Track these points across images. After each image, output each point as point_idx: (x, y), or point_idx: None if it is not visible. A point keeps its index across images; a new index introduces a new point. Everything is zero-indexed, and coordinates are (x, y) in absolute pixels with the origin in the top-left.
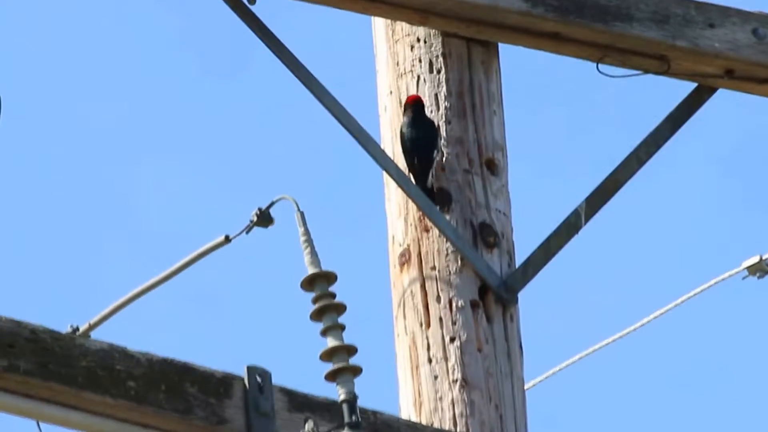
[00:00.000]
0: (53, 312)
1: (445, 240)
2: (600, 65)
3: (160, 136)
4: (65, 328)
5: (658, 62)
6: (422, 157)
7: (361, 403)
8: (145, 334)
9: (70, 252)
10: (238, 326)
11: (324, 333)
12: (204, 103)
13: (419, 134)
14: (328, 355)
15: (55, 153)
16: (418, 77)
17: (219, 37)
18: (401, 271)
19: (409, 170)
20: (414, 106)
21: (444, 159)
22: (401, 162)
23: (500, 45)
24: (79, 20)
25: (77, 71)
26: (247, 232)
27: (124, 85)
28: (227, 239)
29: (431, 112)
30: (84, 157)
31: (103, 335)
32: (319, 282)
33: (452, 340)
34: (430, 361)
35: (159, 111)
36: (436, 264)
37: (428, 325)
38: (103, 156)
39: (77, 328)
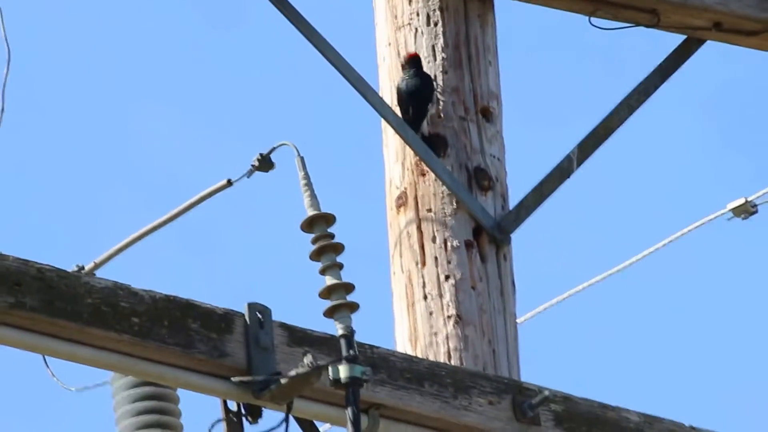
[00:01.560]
0: (59, 252)
1: (440, 183)
2: (592, 18)
3: (161, 83)
4: (71, 267)
5: (649, 15)
6: (417, 108)
7: (358, 338)
8: (149, 274)
9: (75, 194)
10: (240, 266)
11: (323, 272)
12: (205, 53)
13: (416, 87)
14: (327, 293)
15: (59, 99)
16: (416, 30)
17: None
18: (398, 213)
19: (403, 119)
20: (412, 61)
21: (439, 109)
22: (399, 110)
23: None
24: None
25: (79, 18)
26: (248, 176)
27: (126, 32)
28: (229, 183)
29: (428, 63)
30: (88, 103)
31: (107, 274)
32: (318, 223)
33: (447, 278)
34: (425, 298)
35: (161, 59)
36: (432, 206)
37: (423, 264)
38: (106, 102)
39: (83, 267)
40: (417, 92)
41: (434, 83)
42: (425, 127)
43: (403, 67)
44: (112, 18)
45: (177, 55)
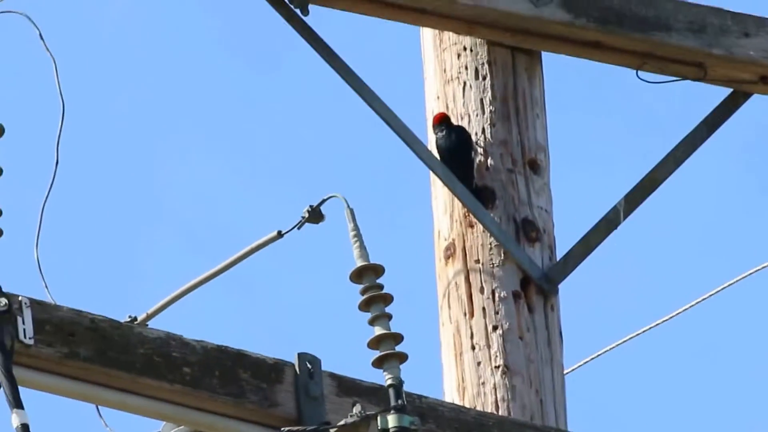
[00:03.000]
0: (111, 302)
1: (488, 235)
2: (639, 72)
3: (210, 132)
4: (123, 318)
5: (696, 69)
6: (462, 162)
7: (407, 388)
8: (201, 324)
9: (127, 244)
10: (290, 316)
11: (372, 322)
12: (253, 102)
13: (453, 143)
14: (376, 343)
15: (110, 150)
16: (465, 83)
17: (264, 36)
18: (446, 264)
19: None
20: (441, 122)
21: (487, 160)
22: None
23: (543, 53)
24: (125, 19)
25: (124, 68)
26: (298, 228)
27: (171, 81)
28: (280, 234)
29: (476, 116)
30: (137, 152)
31: (160, 325)
32: (368, 274)
33: (495, 328)
34: (473, 348)
35: (211, 107)
36: (480, 257)
37: (472, 314)
38: (155, 151)
39: (135, 318)
40: (454, 148)
41: (470, 134)
42: (473, 181)
43: (433, 128)
44: (158, 66)
45: (226, 103)
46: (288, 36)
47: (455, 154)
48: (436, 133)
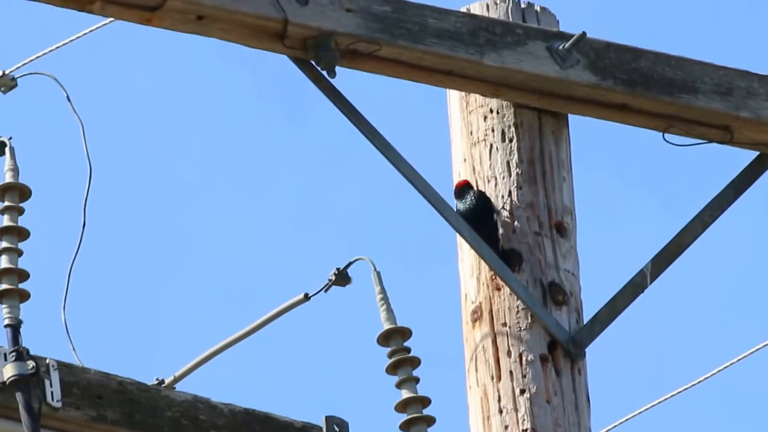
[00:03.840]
0: (138, 364)
1: (515, 298)
2: (666, 135)
3: (236, 189)
4: (151, 381)
5: (722, 132)
6: (486, 226)
7: None
8: (228, 387)
9: (152, 305)
10: (317, 379)
11: (399, 385)
12: (280, 160)
13: (474, 207)
14: (403, 406)
15: (135, 207)
16: (491, 146)
17: (292, 93)
18: (473, 327)
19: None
20: (461, 189)
21: (514, 222)
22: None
23: (570, 115)
24: (152, 78)
25: (151, 126)
26: (325, 291)
27: (196, 138)
28: (306, 297)
29: (503, 178)
30: (162, 209)
31: (187, 388)
32: (395, 337)
33: (522, 392)
34: (500, 411)
35: (236, 165)
36: (507, 320)
37: (499, 378)
38: (180, 209)
39: (162, 381)
40: (477, 212)
41: (488, 196)
42: (500, 239)
43: (456, 197)
44: (184, 123)
45: (251, 162)
46: (315, 94)
47: (478, 218)
48: (456, 204)
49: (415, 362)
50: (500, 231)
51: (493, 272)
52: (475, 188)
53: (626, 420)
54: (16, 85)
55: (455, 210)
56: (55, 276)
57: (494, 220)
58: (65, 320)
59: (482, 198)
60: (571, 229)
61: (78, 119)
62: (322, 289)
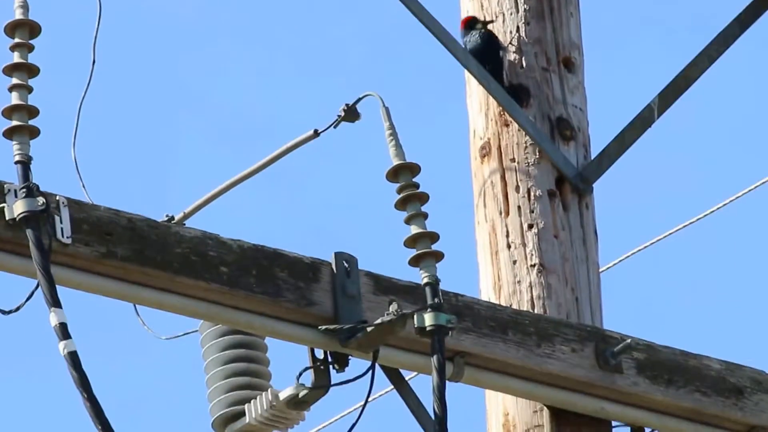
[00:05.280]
0: (148, 201)
1: (523, 133)
2: None
3: (246, 26)
4: (161, 217)
5: None
6: (491, 61)
7: (443, 286)
8: (237, 223)
9: (162, 142)
10: (326, 216)
11: (408, 221)
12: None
13: (480, 44)
14: (412, 242)
15: (144, 45)
16: None
17: None
18: (482, 162)
19: None
20: (467, 25)
21: (521, 58)
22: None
23: None
24: None
25: None
26: (335, 127)
27: None
28: (316, 133)
29: (510, 14)
30: (172, 46)
31: (197, 224)
32: (404, 173)
33: (530, 227)
34: (509, 246)
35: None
36: (515, 156)
37: (507, 213)
38: (190, 46)
39: (172, 217)
40: (482, 50)
41: (495, 34)
42: (505, 77)
43: (461, 32)
44: None
45: (253, 7)
46: None
47: (483, 55)
48: (463, 38)
49: (424, 198)
50: (506, 67)
51: (501, 108)
52: (481, 24)
53: (633, 254)
54: None
55: (464, 45)
56: (65, 113)
57: (500, 56)
58: (75, 157)
59: (488, 34)
60: (578, 64)
61: None
62: (331, 125)
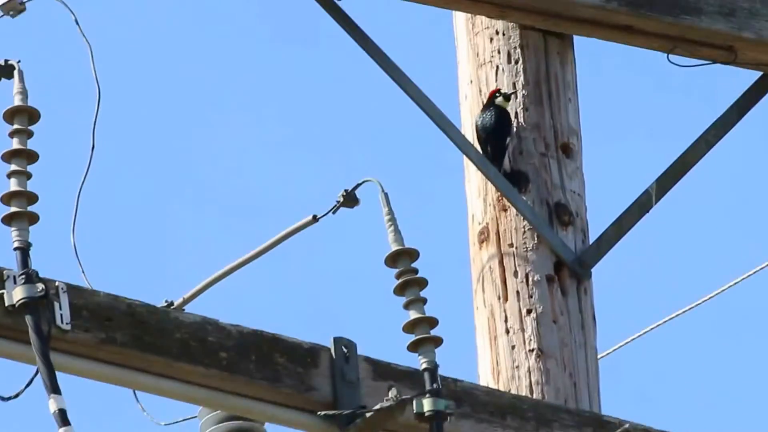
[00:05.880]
0: (147, 286)
1: (522, 219)
2: (670, 56)
3: (244, 110)
4: (160, 303)
5: (726, 53)
6: (495, 144)
7: (442, 371)
8: (236, 308)
9: (162, 227)
10: (325, 301)
11: (407, 306)
12: (288, 82)
13: (491, 123)
14: (411, 327)
15: (144, 130)
16: (497, 67)
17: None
18: (480, 248)
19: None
20: (489, 100)
21: (520, 144)
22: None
23: (575, 37)
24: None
25: (160, 48)
26: (333, 212)
27: (206, 58)
28: (315, 218)
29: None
30: (170, 131)
31: (195, 309)
32: (402, 258)
33: (529, 312)
34: (507, 332)
35: (244, 86)
36: (514, 241)
37: (506, 298)
38: (189, 130)
39: (171, 303)
40: (492, 129)
41: (511, 117)
42: (507, 163)
43: (484, 104)
44: (193, 45)
45: (260, 82)
46: (322, 16)
47: (491, 135)
48: (482, 111)
49: (423, 283)
50: (509, 153)
51: (499, 193)
52: (502, 98)
53: (632, 340)
54: (25, 9)
55: (475, 122)
56: (64, 199)
57: (506, 142)
58: (74, 243)
59: (503, 115)
60: (576, 149)
61: (86, 42)
62: (330, 210)
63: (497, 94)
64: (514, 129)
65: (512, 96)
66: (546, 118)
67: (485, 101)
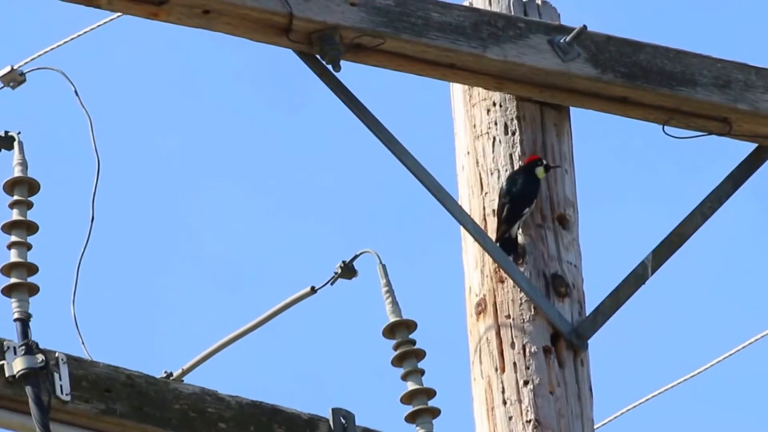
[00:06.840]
0: (148, 357)
1: (519, 290)
2: (666, 127)
3: (239, 178)
4: (159, 374)
5: (721, 124)
6: (513, 209)
7: None
8: (235, 379)
9: (162, 298)
10: (323, 372)
11: (404, 377)
12: (284, 151)
13: (519, 187)
14: (409, 398)
15: (141, 200)
16: (494, 139)
17: (294, 82)
18: (477, 319)
19: (497, 216)
20: (527, 164)
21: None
22: (477, 217)
23: (571, 108)
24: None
25: (156, 118)
26: (331, 284)
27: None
28: (313, 290)
29: (506, 171)
30: (168, 200)
31: (195, 379)
32: (400, 329)
33: (526, 383)
34: (504, 403)
35: (241, 154)
36: (511, 312)
37: (503, 369)
38: (186, 199)
39: (171, 374)
40: (520, 194)
41: (539, 189)
42: (515, 229)
43: (521, 166)
44: (189, 114)
45: (256, 150)
46: (318, 85)
47: (515, 197)
48: (517, 171)
49: (420, 354)
50: (520, 223)
51: (496, 264)
52: (542, 168)
53: (629, 410)
54: (25, 80)
55: (503, 181)
56: (64, 270)
57: (525, 210)
58: (74, 314)
59: (533, 183)
60: (573, 221)
61: (86, 113)
62: (328, 282)
63: (539, 162)
64: (536, 202)
65: (553, 170)
66: (542, 189)
67: (523, 163)
